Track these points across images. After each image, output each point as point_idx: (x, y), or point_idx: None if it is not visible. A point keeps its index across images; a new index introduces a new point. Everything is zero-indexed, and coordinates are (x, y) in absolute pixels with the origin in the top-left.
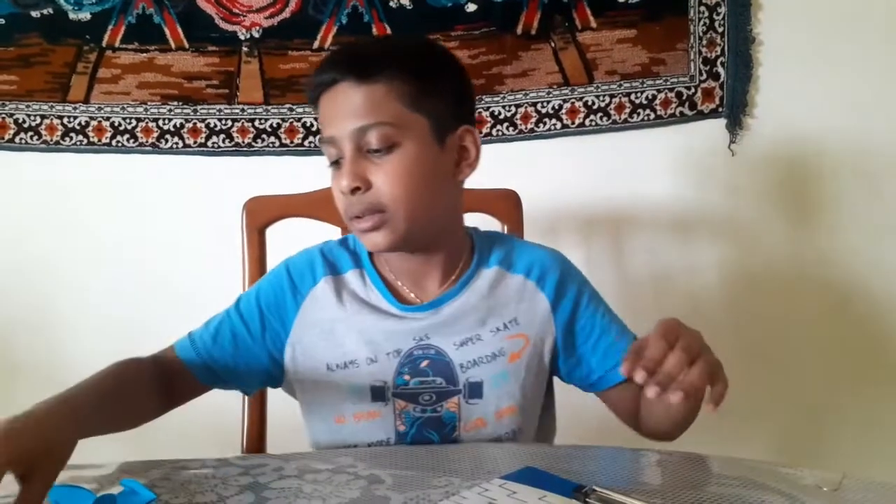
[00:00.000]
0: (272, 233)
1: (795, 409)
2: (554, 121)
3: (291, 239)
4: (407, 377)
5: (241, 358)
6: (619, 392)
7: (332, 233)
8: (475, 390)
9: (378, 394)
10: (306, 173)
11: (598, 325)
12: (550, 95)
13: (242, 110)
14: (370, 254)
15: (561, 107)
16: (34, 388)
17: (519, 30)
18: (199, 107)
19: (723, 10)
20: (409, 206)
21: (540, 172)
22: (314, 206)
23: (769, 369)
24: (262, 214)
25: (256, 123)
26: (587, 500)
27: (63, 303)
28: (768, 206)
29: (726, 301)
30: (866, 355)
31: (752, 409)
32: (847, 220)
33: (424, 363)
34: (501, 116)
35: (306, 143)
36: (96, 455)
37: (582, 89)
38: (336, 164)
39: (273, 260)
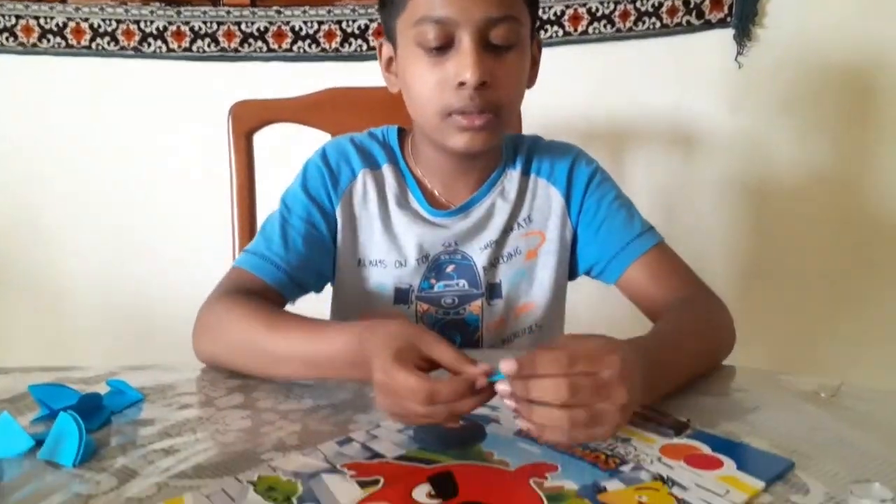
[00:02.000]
0: (260, 140)
1: (795, 322)
2: (556, 28)
3: (280, 146)
4: (432, 281)
5: (315, 256)
6: (628, 281)
7: (323, 139)
8: (495, 291)
9: (402, 296)
10: (294, 80)
11: (602, 209)
12: (553, 0)
13: (228, 13)
14: (401, 148)
15: (563, 13)
16: (26, 300)
17: None
18: (182, 8)
19: None
20: (514, 111)
21: (540, 81)
22: (304, 111)
23: (770, 285)
24: (248, 119)
25: (243, 27)
26: None
27: (49, 212)
28: (774, 122)
29: (726, 217)
30: (867, 270)
31: (751, 322)
32: (853, 138)
33: (450, 268)
34: None
35: (294, 48)
36: (85, 363)
37: None
38: (438, 49)
39: (262, 167)
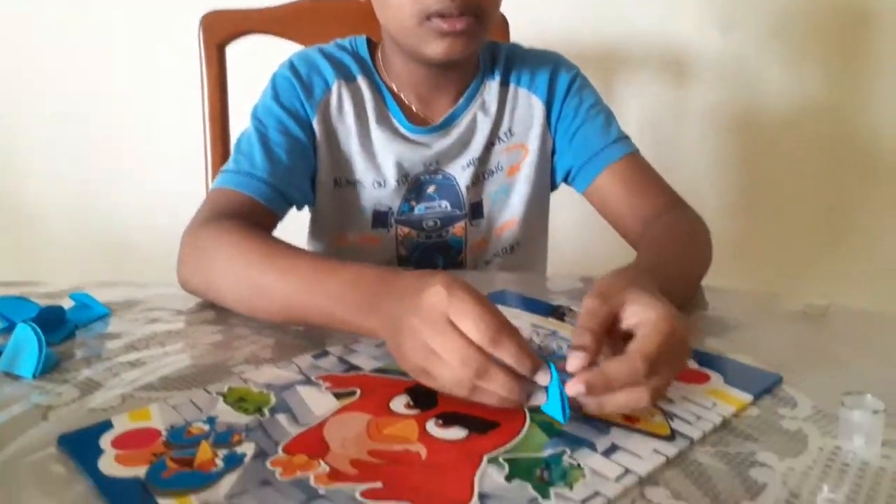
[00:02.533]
0: (232, 52)
1: (782, 253)
2: None
3: (253, 58)
4: (413, 203)
5: (300, 166)
6: (599, 190)
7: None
8: (476, 210)
9: (380, 219)
10: None
11: (580, 115)
12: None
13: None
14: (373, 60)
15: None
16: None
17: None
18: None
19: None
20: (495, 16)
21: (526, 4)
22: (278, 21)
23: (758, 215)
24: (220, 29)
25: None
26: (563, 319)
27: (18, 133)
28: (764, 47)
29: (715, 148)
30: (856, 201)
31: (737, 253)
32: (846, 66)
33: (431, 188)
34: None
35: None
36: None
37: None
38: None
39: (234, 80)
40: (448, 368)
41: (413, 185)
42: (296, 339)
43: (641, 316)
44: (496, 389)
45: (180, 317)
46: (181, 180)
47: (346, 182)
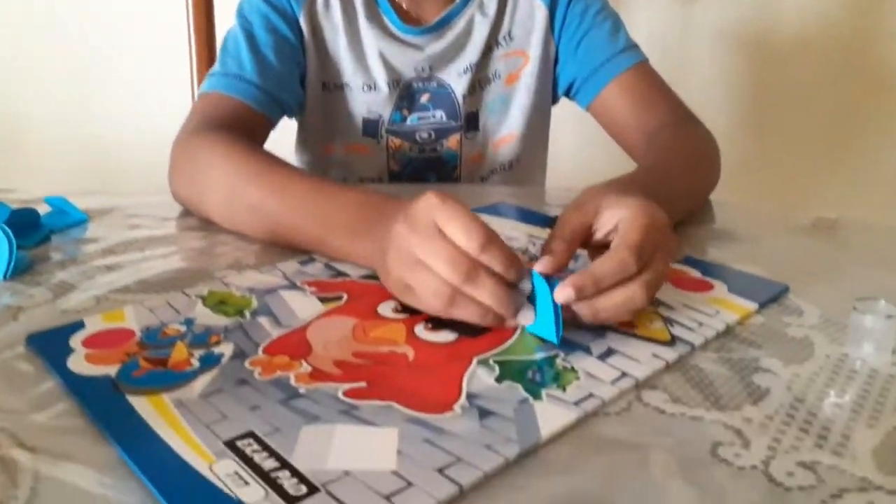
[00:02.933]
0: None
1: (790, 174)
2: None
3: None
4: (405, 112)
5: (290, 68)
6: (604, 104)
7: None
8: (471, 121)
9: (370, 128)
10: None
11: (586, 21)
12: None
13: None
14: None
15: None
16: None
17: None
18: None
19: None
20: None
21: None
22: None
23: (766, 134)
24: None
25: None
26: None
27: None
28: None
29: (726, 67)
30: (865, 118)
31: (745, 173)
32: None
33: (425, 97)
34: None
35: None
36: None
37: None
38: None
39: None
40: (431, 276)
41: (405, 92)
42: (282, 248)
43: (617, 217)
44: (483, 298)
45: (163, 223)
46: (167, 89)
47: (334, 86)
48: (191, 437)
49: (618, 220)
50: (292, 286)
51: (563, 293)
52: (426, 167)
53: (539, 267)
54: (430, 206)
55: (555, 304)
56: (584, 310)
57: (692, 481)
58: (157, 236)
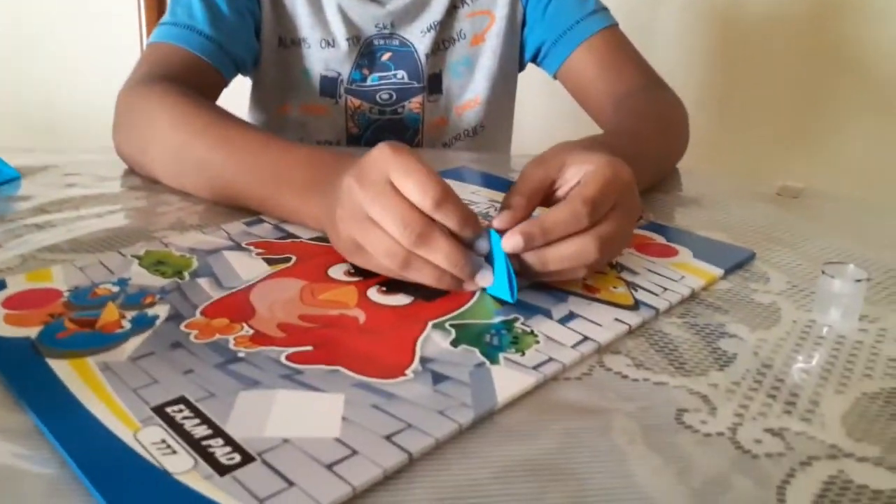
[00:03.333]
0: None
1: (756, 143)
2: None
3: None
4: (365, 71)
5: (244, 22)
6: (572, 69)
7: None
8: (434, 84)
9: (328, 87)
10: None
11: None
12: None
13: None
14: None
15: None
16: None
17: None
18: None
19: None
20: None
21: None
22: None
23: (733, 106)
24: None
25: None
26: None
27: None
28: None
29: (694, 35)
30: (831, 93)
31: (713, 141)
32: None
33: (386, 56)
34: None
35: None
36: None
37: None
38: None
39: None
40: (383, 236)
41: (366, 50)
42: (229, 208)
43: (581, 173)
44: (438, 260)
45: (101, 182)
46: (113, 37)
47: (290, 41)
48: (115, 403)
49: (582, 174)
50: (237, 247)
51: (511, 241)
52: (387, 130)
53: (497, 222)
54: (384, 158)
55: (508, 261)
56: (531, 259)
57: (656, 448)
58: (95, 195)
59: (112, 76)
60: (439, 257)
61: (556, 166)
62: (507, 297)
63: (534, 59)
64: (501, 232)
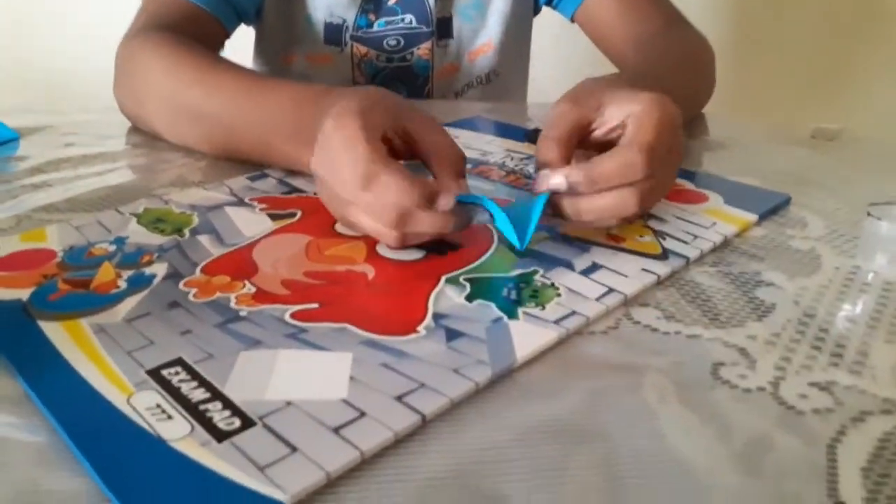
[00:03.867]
0: None
1: (786, 87)
2: None
3: None
4: (371, 16)
5: None
6: (591, 11)
7: None
8: (443, 28)
9: (332, 34)
10: None
11: None
12: None
13: None
14: None
15: None
16: None
17: None
18: None
19: None
20: None
21: None
22: None
23: (761, 50)
24: None
25: None
26: None
27: None
28: None
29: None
30: (862, 39)
31: (741, 81)
32: None
33: (392, 0)
34: None
35: None
36: None
37: None
38: None
39: None
40: (369, 220)
41: None
42: (232, 164)
43: (625, 112)
44: (425, 229)
45: (101, 141)
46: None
47: None
48: (109, 367)
49: (626, 115)
50: (240, 203)
51: (553, 179)
52: (395, 78)
53: (539, 186)
54: (333, 146)
55: (535, 209)
56: (566, 205)
57: (691, 406)
58: (93, 154)
59: (112, 35)
60: (425, 228)
61: (595, 105)
62: (515, 241)
63: (549, 2)
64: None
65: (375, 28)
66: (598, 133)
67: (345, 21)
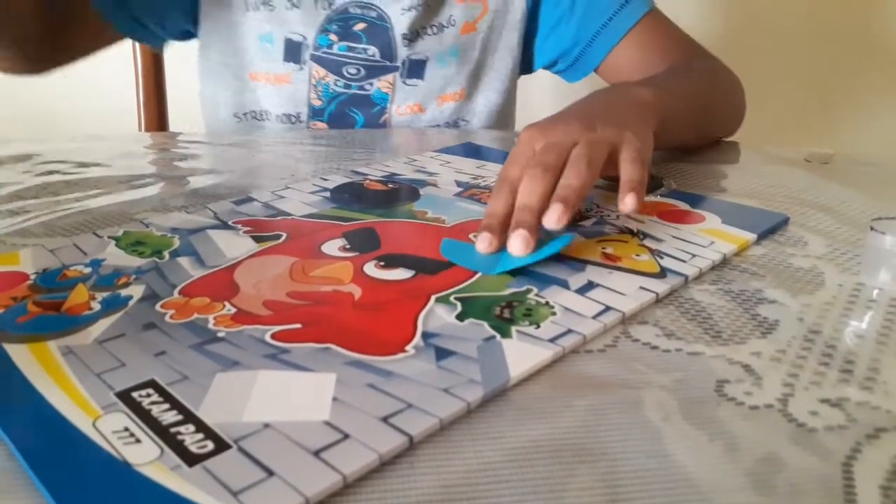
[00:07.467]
0: None
1: (779, 110)
2: None
3: None
4: (333, 37)
5: None
6: (614, 65)
7: None
8: (416, 69)
9: (292, 52)
10: None
11: None
12: None
13: None
14: None
15: None
16: None
17: None
18: None
19: None
20: None
21: None
22: None
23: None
24: None
25: None
26: None
27: None
28: None
29: (709, 16)
30: (863, 42)
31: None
32: None
33: (359, 25)
34: None
35: None
36: None
37: None
38: None
39: None
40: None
41: (338, 15)
42: (216, 189)
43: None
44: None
45: (84, 169)
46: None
47: (248, 2)
48: (75, 389)
49: None
50: (223, 225)
51: (631, 202)
52: (352, 105)
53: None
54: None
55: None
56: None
57: (697, 424)
58: (76, 181)
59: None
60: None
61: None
62: (487, 269)
63: (550, 66)
64: None
65: (336, 50)
66: None
67: (305, 39)
